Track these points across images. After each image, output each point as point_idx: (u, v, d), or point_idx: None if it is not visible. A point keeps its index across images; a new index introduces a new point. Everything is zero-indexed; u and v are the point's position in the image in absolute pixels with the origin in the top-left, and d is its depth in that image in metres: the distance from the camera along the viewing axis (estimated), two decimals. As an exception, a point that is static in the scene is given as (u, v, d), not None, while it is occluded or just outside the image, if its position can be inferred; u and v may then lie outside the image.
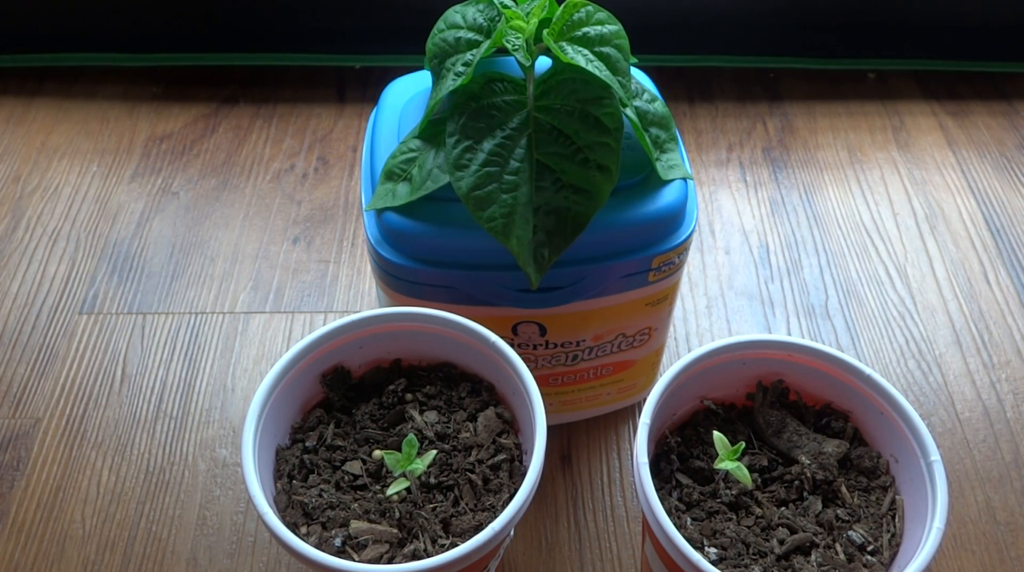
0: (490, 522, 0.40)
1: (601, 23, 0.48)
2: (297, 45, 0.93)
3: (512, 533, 0.44)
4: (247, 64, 0.94)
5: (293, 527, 0.43)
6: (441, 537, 0.43)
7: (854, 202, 0.82)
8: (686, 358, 0.46)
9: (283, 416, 0.47)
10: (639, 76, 0.56)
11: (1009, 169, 0.86)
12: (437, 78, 0.49)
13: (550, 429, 0.62)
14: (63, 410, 0.65)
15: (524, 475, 0.42)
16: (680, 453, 0.47)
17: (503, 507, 0.43)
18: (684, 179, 0.51)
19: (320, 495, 0.44)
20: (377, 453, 0.46)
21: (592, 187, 0.47)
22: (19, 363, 0.68)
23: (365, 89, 0.92)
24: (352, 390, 0.50)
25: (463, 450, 0.47)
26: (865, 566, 0.42)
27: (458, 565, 0.39)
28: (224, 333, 0.70)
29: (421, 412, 0.48)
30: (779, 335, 0.48)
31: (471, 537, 0.40)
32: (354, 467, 0.46)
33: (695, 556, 0.39)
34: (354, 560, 0.41)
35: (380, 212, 0.50)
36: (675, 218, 0.51)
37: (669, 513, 0.43)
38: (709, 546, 0.43)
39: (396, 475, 0.44)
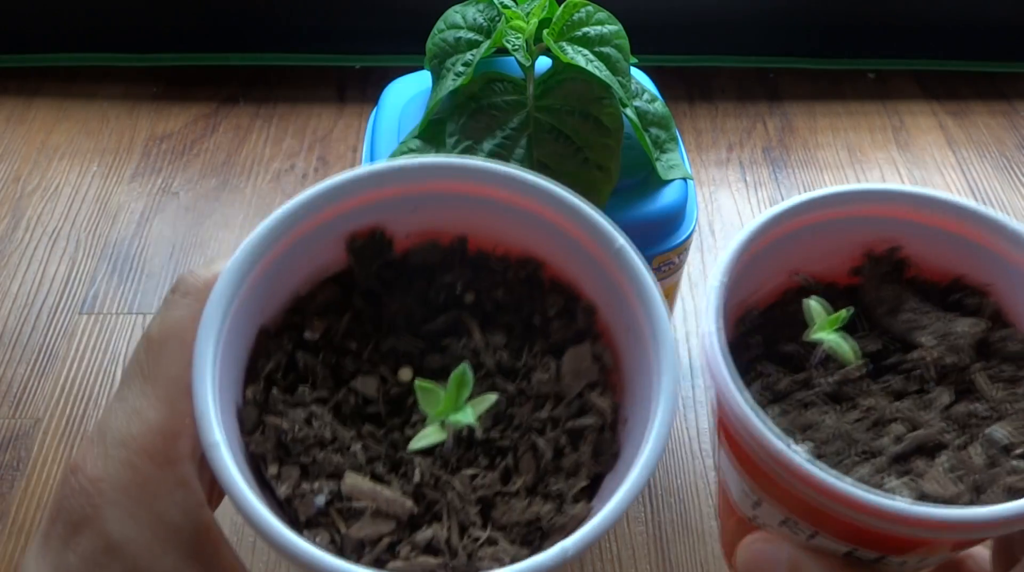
0: (550, 517, 0.27)
1: (601, 23, 0.48)
2: (297, 45, 0.93)
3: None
4: (247, 64, 0.94)
5: (259, 461, 0.28)
6: (475, 526, 0.28)
7: (854, 202, 0.82)
8: (766, 215, 0.35)
9: (279, 287, 0.31)
10: (639, 76, 0.56)
11: (1009, 169, 0.86)
12: (437, 78, 0.49)
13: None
14: (63, 410, 0.65)
15: (616, 456, 0.29)
16: (766, 337, 0.36)
17: (575, 500, 0.29)
18: (684, 179, 0.52)
19: (308, 420, 0.29)
20: (406, 373, 0.31)
21: (592, 187, 0.47)
22: (19, 363, 0.68)
23: (365, 89, 0.92)
24: (390, 269, 0.33)
25: (534, 398, 0.31)
26: (1011, 472, 0.31)
27: None
28: (224, 333, 0.70)
29: (483, 328, 0.33)
30: (897, 184, 0.36)
31: (518, 534, 0.27)
32: (368, 385, 0.31)
33: (778, 445, 0.28)
34: (340, 531, 0.27)
35: (380, 212, 0.50)
36: (675, 218, 0.51)
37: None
38: (801, 441, 0.32)
39: (429, 421, 0.28)
